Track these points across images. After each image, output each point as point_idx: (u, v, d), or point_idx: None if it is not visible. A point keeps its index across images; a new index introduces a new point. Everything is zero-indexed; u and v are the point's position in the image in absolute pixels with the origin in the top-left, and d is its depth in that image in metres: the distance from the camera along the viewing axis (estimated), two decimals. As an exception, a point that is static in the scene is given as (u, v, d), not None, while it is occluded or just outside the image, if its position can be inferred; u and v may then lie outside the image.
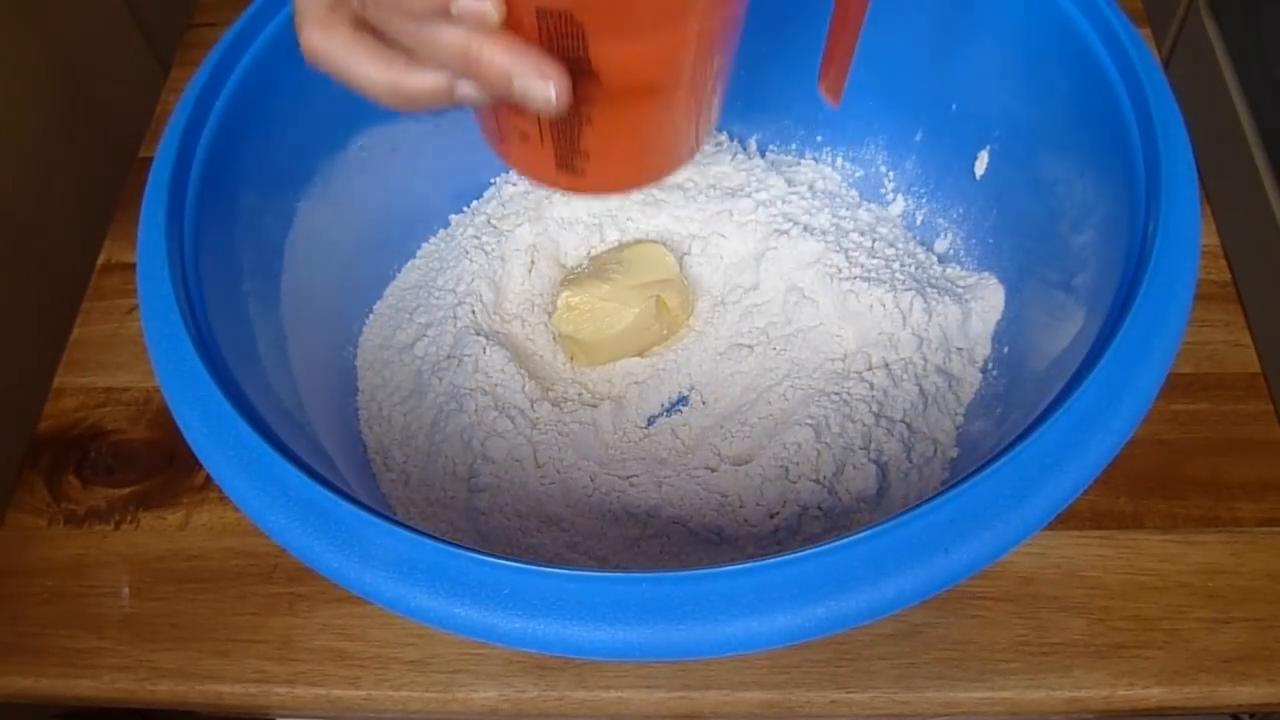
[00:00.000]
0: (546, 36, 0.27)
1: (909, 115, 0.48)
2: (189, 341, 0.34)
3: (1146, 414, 0.31)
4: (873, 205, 0.51)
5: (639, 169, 0.34)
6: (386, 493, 0.43)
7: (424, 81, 0.29)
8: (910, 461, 0.42)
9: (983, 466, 0.30)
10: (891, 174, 0.51)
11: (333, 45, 0.29)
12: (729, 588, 0.29)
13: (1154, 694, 0.39)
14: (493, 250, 0.50)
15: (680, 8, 0.28)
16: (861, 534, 0.29)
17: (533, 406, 0.45)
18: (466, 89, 0.29)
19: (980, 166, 0.46)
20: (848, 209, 0.50)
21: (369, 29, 0.29)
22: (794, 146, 0.53)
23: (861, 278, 0.46)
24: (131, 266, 0.39)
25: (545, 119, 0.30)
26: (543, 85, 0.27)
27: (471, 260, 0.50)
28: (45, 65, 0.63)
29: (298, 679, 0.41)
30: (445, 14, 0.27)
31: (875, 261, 0.47)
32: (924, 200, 0.50)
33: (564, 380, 0.47)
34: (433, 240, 0.51)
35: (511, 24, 0.27)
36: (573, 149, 0.32)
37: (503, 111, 0.31)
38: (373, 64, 0.29)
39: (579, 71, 0.28)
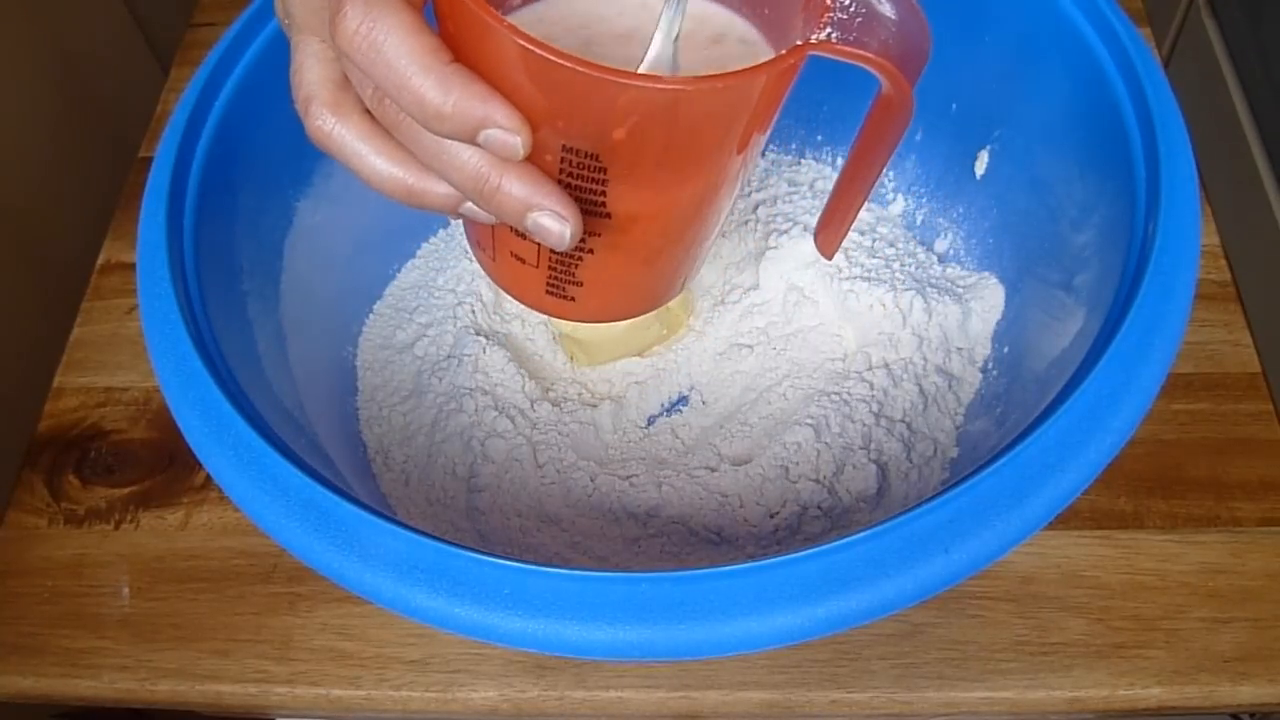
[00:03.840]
0: (565, 171, 0.27)
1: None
2: (189, 341, 0.34)
3: (1146, 414, 0.31)
4: (873, 205, 0.51)
5: (628, 303, 0.34)
6: (386, 493, 0.43)
7: (437, 189, 0.28)
8: (910, 461, 0.42)
9: (983, 466, 0.30)
10: (891, 174, 0.51)
11: (344, 134, 0.27)
12: (729, 588, 0.29)
13: (1154, 694, 0.39)
14: (493, 250, 0.50)
15: (707, 163, 0.28)
16: (861, 534, 0.29)
17: (533, 406, 0.45)
18: (475, 208, 0.28)
19: (980, 166, 0.46)
20: (848, 209, 0.50)
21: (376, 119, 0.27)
22: (794, 146, 0.53)
23: (861, 277, 0.46)
24: (131, 266, 0.39)
25: (545, 246, 0.29)
26: (558, 225, 0.26)
27: (471, 260, 0.50)
28: (45, 65, 0.63)
29: (298, 679, 0.41)
30: (470, 139, 0.25)
31: (875, 261, 0.47)
32: (924, 200, 0.50)
33: (564, 380, 0.47)
34: (433, 240, 0.51)
35: (532, 152, 0.26)
36: (567, 277, 0.31)
37: (499, 230, 0.31)
38: (384, 160, 0.27)
39: (590, 207, 0.28)
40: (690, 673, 0.40)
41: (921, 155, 0.49)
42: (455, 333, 0.47)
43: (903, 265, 0.47)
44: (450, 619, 0.29)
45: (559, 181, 0.27)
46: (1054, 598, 0.41)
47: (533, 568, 0.29)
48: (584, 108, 0.25)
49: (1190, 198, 0.35)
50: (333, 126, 0.27)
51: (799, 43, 0.27)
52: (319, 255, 0.45)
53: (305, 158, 0.44)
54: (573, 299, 0.32)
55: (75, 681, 0.41)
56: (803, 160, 0.53)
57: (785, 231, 0.48)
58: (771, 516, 0.41)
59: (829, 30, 0.27)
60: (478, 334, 0.47)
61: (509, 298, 0.49)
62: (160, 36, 0.73)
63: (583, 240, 0.29)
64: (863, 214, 0.50)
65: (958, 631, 0.40)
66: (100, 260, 0.53)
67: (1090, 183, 0.39)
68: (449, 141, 0.26)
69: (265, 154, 0.42)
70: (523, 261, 0.31)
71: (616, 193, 0.27)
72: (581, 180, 0.27)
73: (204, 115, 0.39)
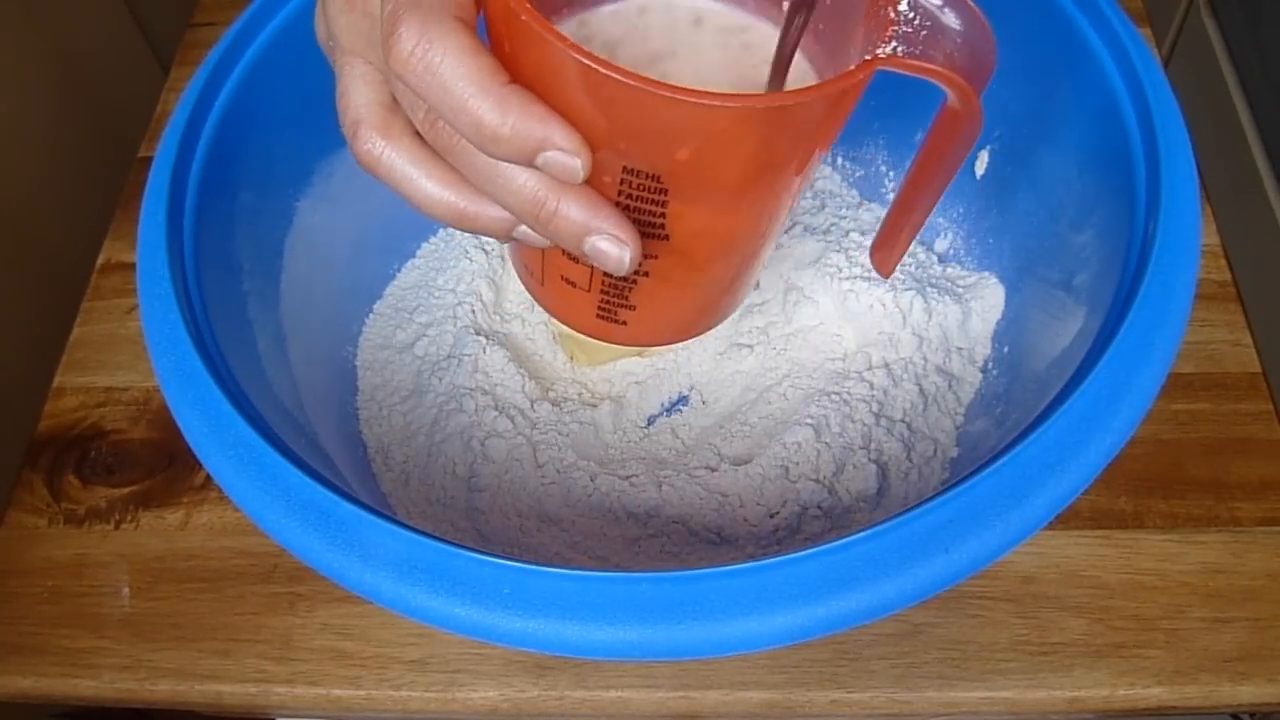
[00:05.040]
0: (624, 193, 0.26)
1: (909, 115, 0.48)
2: (189, 341, 0.34)
3: (1146, 414, 0.31)
4: (873, 205, 0.51)
5: (678, 326, 0.33)
6: (386, 493, 0.43)
7: (490, 213, 0.27)
8: (910, 461, 0.42)
9: (983, 466, 0.30)
10: (891, 174, 0.51)
11: (394, 158, 0.27)
12: (729, 588, 0.29)
13: (1154, 694, 0.39)
14: (493, 250, 0.50)
15: (768, 183, 0.27)
16: (861, 534, 0.29)
17: (532, 406, 0.45)
18: (530, 232, 0.27)
19: (980, 166, 0.46)
20: (848, 209, 0.50)
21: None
22: (794, 146, 0.53)
23: (861, 277, 0.46)
24: (131, 266, 0.39)
25: (599, 269, 0.29)
26: (617, 249, 0.26)
27: (471, 260, 0.50)
28: (45, 65, 0.63)
29: (298, 679, 0.41)
30: (528, 163, 0.25)
31: (875, 261, 0.47)
32: (924, 200, 0.49)
33: (564, 380, 0.47)
34: (433, 240, 0.51)
35: (590, 175, 0.25)
36: (620, 301, 0.30)
37: (550, 253, 0.30)
38: (435, 184, 0.27)
39: (647, 229, 0.27)
40: (690, 673, 0.40)
41: (922, 155, 0.49)
42: (455, 333, 0.47)
43: (902, 265, 0.47)
44: (450, 619, 0.29)
45: (617, 204, 0.26)
46: (1054, 598, 0.41)
47: (533, 568, 0.29)
48: (649, 127, 0.24)
49: (1190, 198, 0.35)
50: (382, 150, 0.27)
51: (867, 58, 0.26)
52: (319, 255, 0.45)
53: (305, 158, 0.45)
54: (624, 323, 0.31)
55: (75, 681, 0.41)
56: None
57: (785, 231, 0.48)
58: (771, 516, 0.41)
59: (894, 44, 0.26)
60: (478, 334, 0.47)
61: (509, 297, 0.49)
62: (160, 36, 0.73)
63: (638, 265, 0.28)
64: (862, 214, 0.50)
65: (958, 631, 0.40)
66: (100, 260, 0.53)
67: (1090, 183, 0.39)
68: (504, 164, 0.25)
69: (265, 154, 0.42)
70: (574, 286, 0.31)
71: (675, 214, 0.27)
72: (640, 202, 0.26)
73: (204, 115, 0.39)
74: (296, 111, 0.43)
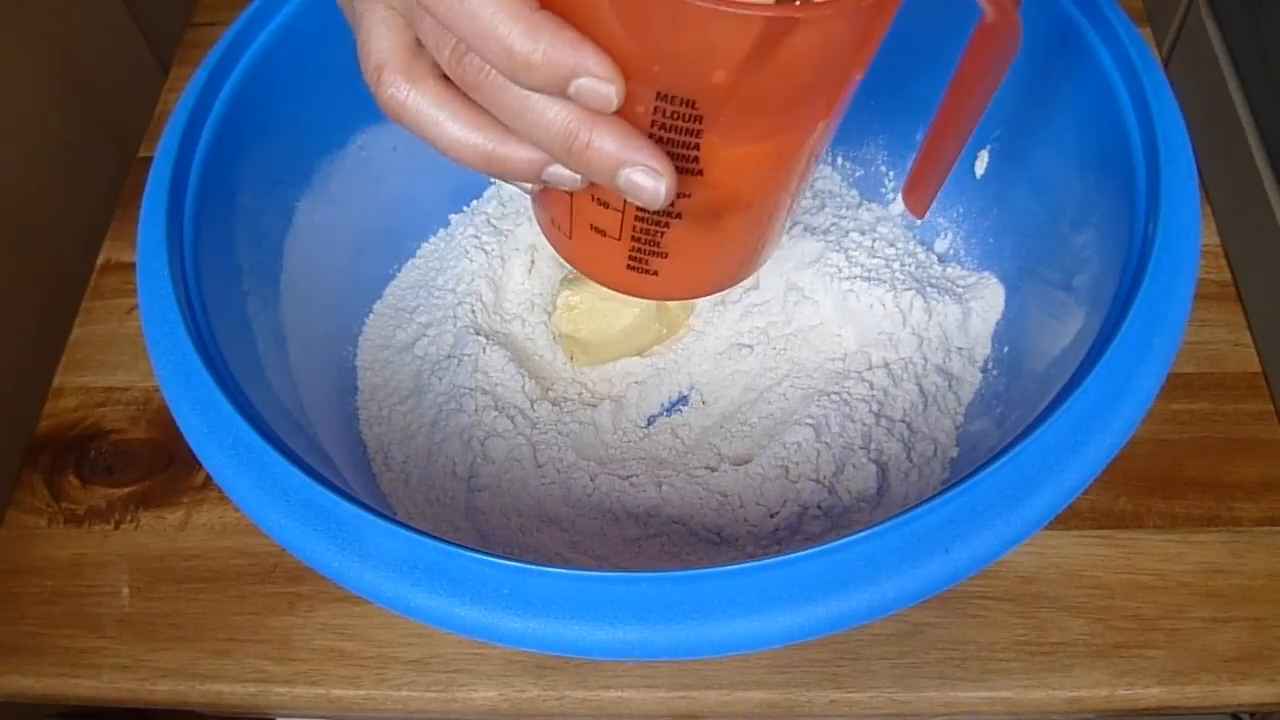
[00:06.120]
0: (658, 124, 0.25)
1: (909, 114, 0.48)
2: (189, 341, 0.34)
3: (1146, 414, 0.31)
4: (873, 205, 0.51)
5: (711, 275, 0.33)
6: (386, 493, 0.43)
7: (519, 154, 0.26)
8: (910, 461, 0.42)
9: (983, 466, 0.30)
10: (891, 174, 0.51)
11: (420, 101, 0.26)
12: (729, 588, 0.29)
13: (1154, 694, 0.39)
14: (493, 250, 0.50)
15: (806, 106, 0.27)
16: (861, 534, 0.29)
17: (532, 406, 0.45)
18: (560, 170, 0.26)
19: (980, 166, 0.46)
20: (848, 209, 0.50)
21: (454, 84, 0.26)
22: (794, 146, 0.53)
23: (861, 277, 0.46)
24: (131, 266, 0.39)
25: (630, 214, 0.28)
26: (652, 180, 0.25)
27: (471, 260, 0.50)
28: (45, 65, 0.63)
29: (298, 679, 0.41)
30: (559, 91, 0.24)
31: (875, 261, 0.47)
32: (924, 200, 0.50)
33: (564, 380, 0.47)
34: (433, 240, 0.51)
35: (624, 105, 0.24)
36: (651, 248, 0.30)
37: (579, 201, 0.29)
38: (462, 126, 0.26)
39: (681, 163, 0.26)
40: (690, 673, 0.40)
41: (922, 155, 0.49)
42: (455, 332, 0.47)
43: (903, 265, 0.47)
44: (450, 619, 0.29)
45: (650, 135, 0.25)
46: (1054, 598, 0.41)
47: (533, 568, 0.29)
48: (685, 46, 0.24)
49: (1190, 198, 0.35)
50: (407, 93, 0.26)
51: None
52: (319, 255, 0.45)
53: (305, 157, 0.45)
54: (656, 273, 0.30)
55: (75, 681, 0.41)
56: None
57: (786, 231, 0.48)
58: (771, 516, 0.41)
59: None
60: (478, 334, 0.47)
61: (509, 297, 0.49)
62: (160, 36, 0.73)
63: (670, 204, 0.27)
64: (862, 214, 0.50)
65: (958, 631, 0.40)
66: (100, 260, 0.53)
67: (1090, 182, 0.39)
68: (535, 98, 0.24)
69: (265, 154, 0.42)
70: (604, 234, 0.30)
71: (710, 144, 0.26)
72: (675, 133, 0.26)
73: (204, 115, 0.39)
74: (297, 111, 0.43)
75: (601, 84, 0.24)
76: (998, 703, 0.39)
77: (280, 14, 0.41)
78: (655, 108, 0.25)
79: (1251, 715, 0.46)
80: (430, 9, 0.24)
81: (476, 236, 0.50)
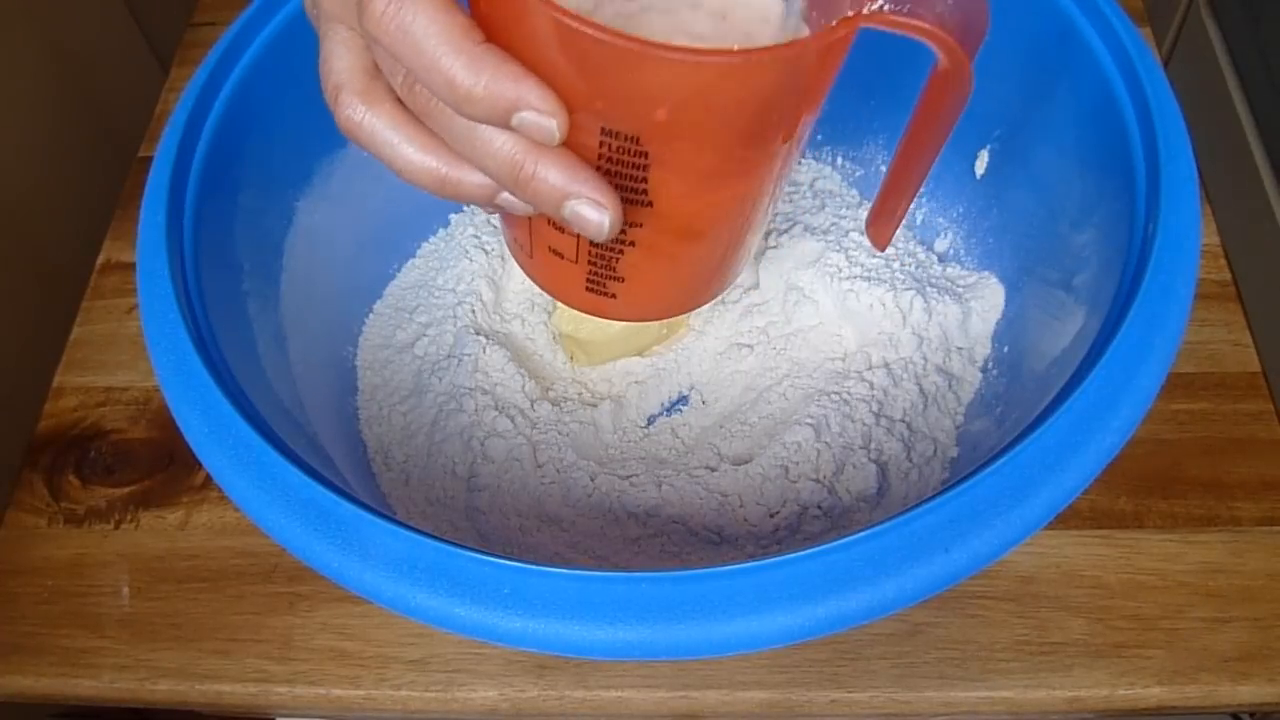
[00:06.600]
0: (604, 157, 0.26)
1: (909, 114, 0.48)
2: (189, 341, 0.34)
3: (1146, 414, 0.31)
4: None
5: (671, 300, 0.33)
6: (386, 492, 0.43)
7: (471, 179, 0.26)
8: (910, 461, 0.42)
9: (983, 466, 0.30)
10: (891, 174, 0.51)
11: (375, 123, 0.26)
12: (729, 588, 0.29)
13: (1154, 694, 0.39)
14: (493, 249, 0.50)
15: (753, 146, 0.27)
16: (861, 534, 0.29)
17: (532, 406, 0.45)
18: (510, 198, 0.27)
19: (980, 166, 0.46)
20: (848, 209, 0.50)
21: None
22: (794, 146, 0.53)
23: (861, 277, 0.46)
24: (131, 266, 0.39)
25: (585, 239, 0.28)
26: (596, 213, 0.25)
27: (471, 260, 0.50)
28: (45, 65, 0.63)
29: (298, 679, 0.41)
30: (503, 123, 0.24)
31: (875, 261, 0.47)
32: (924, 199, 0.49)
33: (564, 380, 0.47)
34: (433, 240, 0.51)
35: (570, 137, 0.25)
36: (608, 273, 0.30)
37: (537, 224, 0.30)
38: (416, 150, 0.26)
39: (631, 195, 0.27)
40: (690, 673, 0.40)
41: (921, 155, 0.49)
42: (455, 332, 0.47)
43: (903, 265, 0.47)
44: (450, 619, 0.29)
45: (598, 168, 0.26)
46: (1054, 598, 0.41)
47: (533, 567, 0.29)
48: (624, 85, 0.24)
49: (1190, 198, 0.35)
50: (363, 115, 0.27)
51: (850, 14, 0.25)
52: (319, 255, 0.45)
53: (305, 157, 0.45)
54: (614, 295, 0.31)
55: (75, 681, 0.41)
56: (803, 160, 0.53)
57: (785, 231, 0.48)
58: (771, 516, 0.41)
59: (881, 1, 0.25)
60: (478, 334, 0.47)
61: (509, 297, 0.49)
62: (160, 36, 0.73)
63: (623, 232, 0.27)
64: (862, 214, 0.50)
65: (958, 631, 0.40)
66: (100, 260, 0.53)
67: (1090, 182, 0.39)
68: (482, 127, 0.25)
69: (265, 154, 0.42)
70: (561, 257, 0.30)
71: (658, 179, 0.26)
72: (622, 166, 0.26)
73: (204, 115, 0.39)
74: (296, 111, 0.43)
75: (544, 118, 0.24)
76: (998, 703, 0.39)
77: (280, 14, 0.41)
78: (601, 141, 0.25)
79: (1251, 715, 0.46)
80: (378, 39, 0.24)
81: (476, 236, 0.50)
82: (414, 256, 0.51)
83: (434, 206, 0.51)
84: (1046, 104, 0.42)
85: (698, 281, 0.32)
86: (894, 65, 0.46)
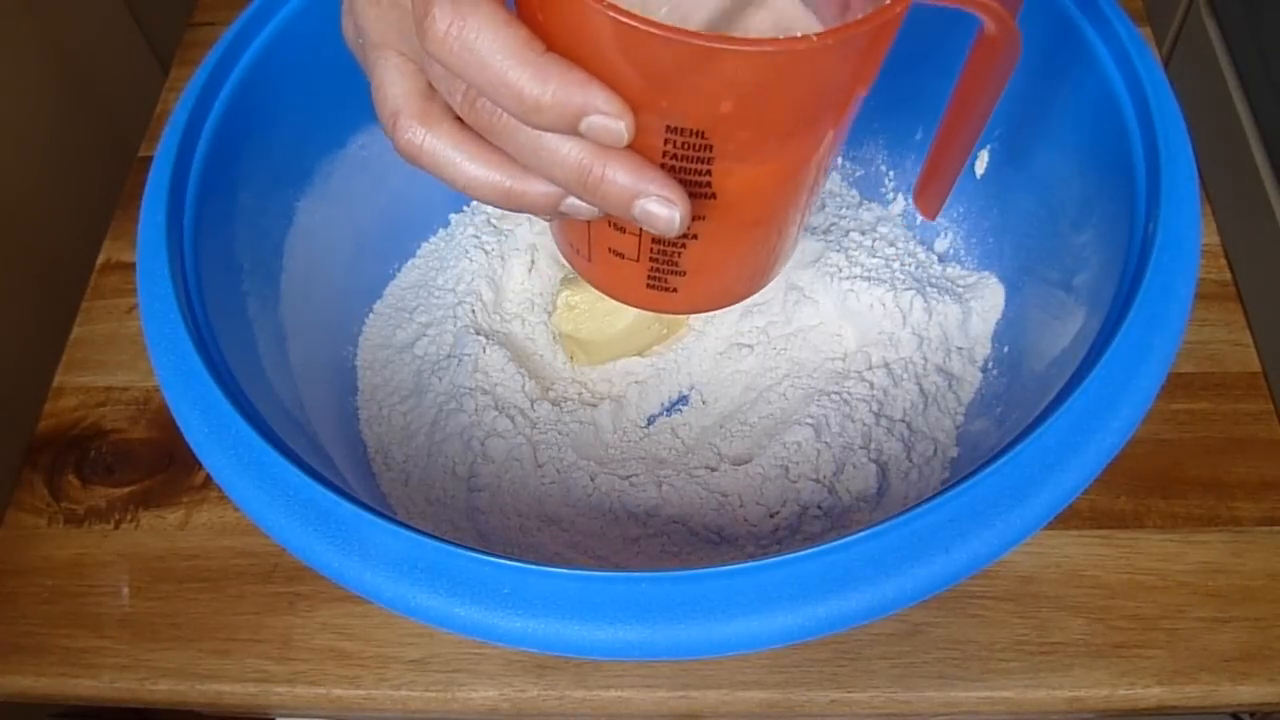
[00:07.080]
0: (670, 154, 0.26)
1: (909, 114, 0.48)
2: (189, 341, 0.34)
3: (1146, 413, 0.31)
4: (873, 204, 0.51)
5: (730, 288, 0.33)
6: (386, 492, 0.43)
7: (537, 189, 0.27)
8: (910, 461, 0.42)
9: (983, 466, 0.30)
10: (891, 173, 0.51)
11: (437, 144, 0.27)
12: (729, 587, 0.29)
13: (1154, 693, 0.39)
14: (493, 250, 0.50)
15: (812, 127, 0.27)
16: (861, 534, 0.29)
17: (532, 406, 0.45)
18: (577, 203, 0.27)
19: (980, 166, 0.46)
20: (848, 209, 0.50)
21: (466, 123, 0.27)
22: (794, 146, 0.53)
23: (861, 277, 0.46)
24: (131, 266, 0.39)
25: (647, 237, 0.29)
26: (666, 210, 0.25)
27: (471, 260, 0.50)
28: (45, 65, 0.63)
29: (298, 678, 0.41)
30: (571, 130, 0.24)
31: (875, 261, 0.47)
32: (924, 200, 0.50)
33: (564, 380, 0.47)
34: (433, 240, 0.51)
35: (635, 138, 0.25)
36: (670, 268, 0.30)
37: (596, 227, 0.30)
38: (480, 166, 0.27)
39: (694, 188, 0.27)
40: (690, 673, 0.40)
41: (921, 155, 0.49)
42: (455, 332, 0.47)
43: (903, 265, 0.47)
44: (450, 619, 0.29)
45: (663, 165, 0.26)
46: (1054, 597, 0.41)
47: (533, 567, 0.29)
48: (690, 82, 0.24)
49: (1190, 198, 0.35)
50: (424, 138, 0.27)
51: None
52: (319, 255, 0.45)
53: (305, 157, 0.45)
54: (675, 290, 0.31)
55: (75, 681, 0.41)
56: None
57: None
58: (771, 516, 0.41)
59: None
60: (478, 334, 0.47)
61: (509, 297, 0.49)
62: (160, 36, 0.73)
63: (688, 228, 0.28)
64: (862, 213, 0.50)
65: (958, 631, 0.40)
66: (100, 260, 0.53)
67: (1090, 182, 0.39)
68: (548, 136, 0.25)
69: (265, 154, 0.42)
70: (622, 257, 0.30)
71: (722, 169, 0.27)
72: (686, 161, 0.26)
73: (204, 115, 0.39)
74: (297, 111, 0.43)
75: (611, 120, 0.24)
76: (998, 703, 0.39)
77: (280, 14, 0.41)
78: (666, 139, 0.26)
79: (1251, 715, 0.46)
80: (440, 58, 0.24)
81: (477, 236, 0.50)
82: (414, 256, 0.51)
83: (434, 206, 0.51)
84: (1047, 104, 0.42)
85: (754, 268, 0.33)
86: (894, 66, 0.46)
